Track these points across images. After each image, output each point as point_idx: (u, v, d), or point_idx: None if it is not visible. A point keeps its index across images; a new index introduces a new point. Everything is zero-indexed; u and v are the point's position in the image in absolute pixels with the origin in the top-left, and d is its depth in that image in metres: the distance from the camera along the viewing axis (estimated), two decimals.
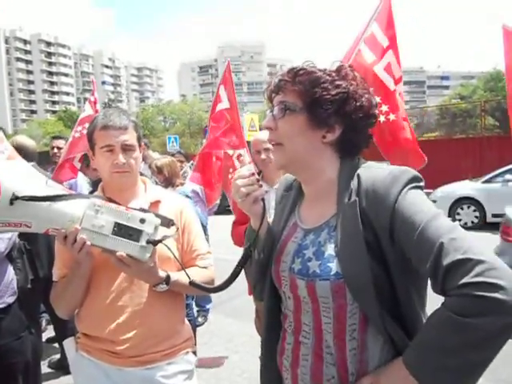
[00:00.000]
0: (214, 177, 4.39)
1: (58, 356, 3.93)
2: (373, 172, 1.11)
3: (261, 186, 1.24)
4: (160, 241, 1.42)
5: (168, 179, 4.12)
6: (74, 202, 1.42)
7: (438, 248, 0.96)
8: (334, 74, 1.15)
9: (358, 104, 1.14)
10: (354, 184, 1.11)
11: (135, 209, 1.47)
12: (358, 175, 1.12)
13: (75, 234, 1.40)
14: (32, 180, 1.43)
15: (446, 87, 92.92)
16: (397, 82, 3.22)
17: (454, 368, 0.95)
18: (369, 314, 1.07)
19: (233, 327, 4.68)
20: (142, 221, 1.40)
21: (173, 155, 5.32)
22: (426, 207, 1.03)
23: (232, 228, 3.17)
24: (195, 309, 4.90)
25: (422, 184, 1.10)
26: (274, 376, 1.28)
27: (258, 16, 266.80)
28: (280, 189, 1.40)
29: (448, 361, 0.95)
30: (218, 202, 5.19)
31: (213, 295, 4.88)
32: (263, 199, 1.25)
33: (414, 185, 1.07)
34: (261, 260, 1.28)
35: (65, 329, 3.60)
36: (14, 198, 1.34)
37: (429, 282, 1.06)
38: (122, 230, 1.39)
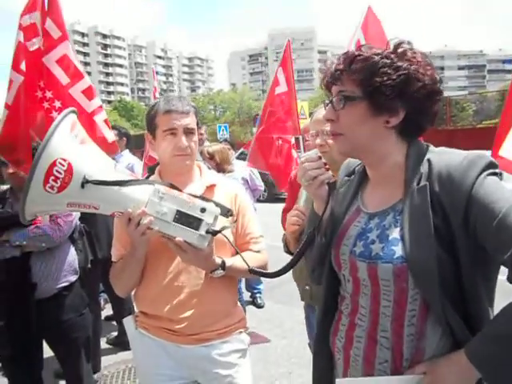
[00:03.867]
0: (280, 160, 4.33)
1: (115, 333, 4.13)
2: (446, 157, 1.08)
3: (328, 169, 1.25)
4: (219, 231, 1.46)
5: (219, 165, 4.22)
6: (140, 188, 1.47)
7: None
8: (392, 56, 1.10)
9: (420, 84, 1.09)
10: (423, 169, 1.08)
11: (197, 196, 1.50)
12: (429, 160, 1.09)
13: (140, 218, 1.44)
14: (102, 164, 1.49)
15: (509, 71, 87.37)
16: None
17: None
18: (430, 302, 1.05)
19: (282, 312, 4.72)
20: (203, 210, 1.43)
21: (220, 143, 5.42)
22: (506, 194, 0.99)
23: (282, 215, 3.18)
24: (247, 293, 5.01)
25: (498, 170, 1.05)
26: (326, 357, 1.30)
27: (308, 1, 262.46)
28: (342, 174, 1.39)
29: None
30: (263, 189, 5.23)
31: (262, 279, 4.94)
32: (329, 183, 1.25)
33: (491, 171, 1.03)
34: (323, 244, 1.29)
35: (122, 308, 3.80)
36: (85, 182, 1.40)
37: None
38: (182, 218, 1.42)
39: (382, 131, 1.13)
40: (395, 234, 1.09)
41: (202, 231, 1.43)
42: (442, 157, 1.08)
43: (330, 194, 1.25)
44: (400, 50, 1.12)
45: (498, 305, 1.04)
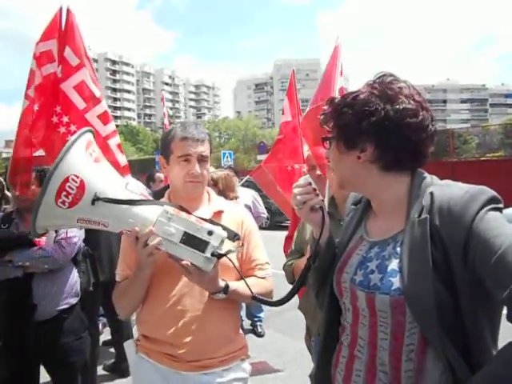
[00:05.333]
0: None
1: (113, 359, 4.07)
2: (448, 190, 1.07)
3: (317, 195, 1.27)
4: (224, 255, 1.47)
5: (222, 192, 4.20)
6: (149, 208, 1.50)
7: None
8: (350, 97, 1.16)
9: (374, 119, 1.11)
10: (426, 201, 1.08)
11: (205, 219, 1.52)
12: (432, 193, 1.08)
13: (147, 237, 1.46)
14: (114, 183, 1.53)
15: (511, 105, 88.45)
16: None
17: None
18: (427, 336, 1.03)
19: (282, 342, 4.65)
20: (210, 233, 1.44)
21: (224, 170, 5.44)
22: (506, 230, 0.97)
23: (285, 243, 3.19)
24: (247, 321, 4.95)
25: (501, 205, 1.04)
26: None
27: (313, 34, 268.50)
28: (349, 202, 1.41)
29: None
30: (266, 216, 5.21)
31: (263, 307, 4.89)
32: (322, 208, 1.27)
33: (493, 206, 1.01)
34: (317, 267, 1.30)
35: (121, 333, 3.75)
36: (96, 199, 1.43)
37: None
38: (189, 240, 1.44)
39: (358, 166, 1.18)
40: (394, 265, 1.09)
41: (208, 254, 1.44)
42: (445, 190, 1.08)
43: (324, 218, 1.28)
44: (375, 87, 1.15)
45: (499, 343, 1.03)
